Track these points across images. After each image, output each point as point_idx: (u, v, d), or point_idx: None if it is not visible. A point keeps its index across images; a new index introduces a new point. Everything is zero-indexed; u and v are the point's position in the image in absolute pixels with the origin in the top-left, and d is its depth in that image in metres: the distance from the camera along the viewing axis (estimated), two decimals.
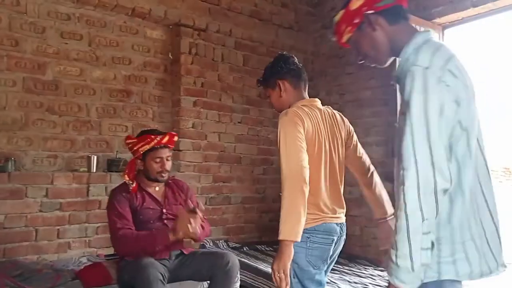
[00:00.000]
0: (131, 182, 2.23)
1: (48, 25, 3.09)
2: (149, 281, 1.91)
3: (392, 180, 3.00)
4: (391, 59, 1.31)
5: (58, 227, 2.96)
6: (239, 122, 3.96)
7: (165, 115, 3.66)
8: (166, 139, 2.26)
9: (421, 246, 1.02)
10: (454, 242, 1.10)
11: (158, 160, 2.25)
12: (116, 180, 3.00)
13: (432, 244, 1.04)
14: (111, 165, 3.21)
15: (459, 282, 1.14)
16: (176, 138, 2.35)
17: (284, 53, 1.91)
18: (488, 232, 1.13)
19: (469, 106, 1.10)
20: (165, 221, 2.29)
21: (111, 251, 3.04)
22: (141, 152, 2.23)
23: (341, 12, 1.30)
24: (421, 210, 1.02)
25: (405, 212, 1.03)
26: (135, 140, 2.27)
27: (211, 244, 3.39)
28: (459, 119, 1.08)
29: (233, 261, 2.22)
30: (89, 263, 2.66)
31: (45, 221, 2.91)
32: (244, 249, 3.38)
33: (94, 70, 3.30)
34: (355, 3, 1.25)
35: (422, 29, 1.42)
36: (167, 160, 2.29)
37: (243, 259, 2.97)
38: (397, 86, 1.25)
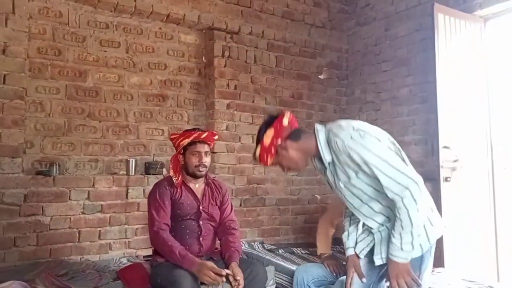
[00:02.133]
0: (175, 176, 2.34)
1: (88, 34, 3.22)
2: None
3: (431, 179, 2.91)
4: (309, 160, 1.84)
5: (100, 229, 3.07)
6: None
7: (199, 118, 3.71)
8: (204, 134, 2.37)
9: (418, 234, 1.63)
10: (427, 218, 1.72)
11: (196, 154, 2.34)
12: (153, 182, 3.05)
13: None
14: (149, 168, 3.30)
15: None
16: (216, 137, 2.46)
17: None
18: (432, 203, 1.79)
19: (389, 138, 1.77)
20: (201, 219, 2.36)
21: (149, 252, 3.12)
22: (182, 147, 2.35)
23: (259, 148, 1.79)
24: (418, 210, 1.59)
25: (409, 215, 1.58)
26: (178, 135, 2.40)
27: (247, 246, 3.40)
28: (393, 143, 1.75)
29: (260, 272, 2.25)
30: (129, 263, 2.74)
31: (87, 222, 3.03)
32: (280, 251, 3.36)
33: (132, 76, 3.40)
34: (267, 140, 1.76)
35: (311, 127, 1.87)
36: (205, 155, 2.37)
37: (279, 262, 2.95)
38: (334, 169, 1.74)
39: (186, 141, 2.33)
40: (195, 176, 2.39)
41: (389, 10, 3.96)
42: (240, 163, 3.74)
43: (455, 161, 3.08)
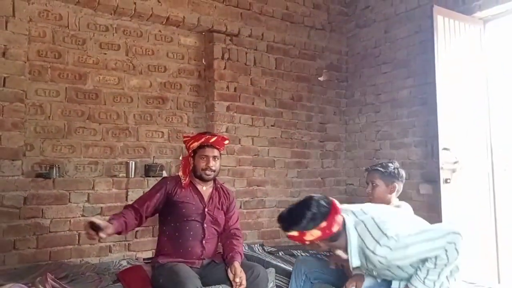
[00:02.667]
0: (183, 177, 2.39)
1: (88, 37, 3.23)
2: None
3: (431, 181, 2.90)
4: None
5: None
6: (272, 126, 3.95)
7: (199, 120, 3.71)
8: (213, 139, 2.41)
9: (443, 279, 1.70)
10: None
11: (204, 157, 2.38)
12: (153, 184, 3.07)
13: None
14: (149, 170, 3.30)
15: None
16: (227, 142, 2.50)
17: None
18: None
19: None
20: (205, 222, 2.37)
21: (150, 254, 3.12)
22: (192, 149, 2.40)
23: (295, 233, 1.74)
24: (456, 259, 1.67)
25: (447, 256, 1.63)
26: (189, 137, 2.46)
27: (247, 248, 3.39)
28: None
29: (261, 274, 2.25)
30: (129, 266, 2.73)
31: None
32: (280, 253, 3.36)
33: (131, 79, 3.40)
34: (309, 237, 1.70)
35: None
36: (213, 159, 2.39)
37: (279, 264, 2.95)
38: (366, 264, 1.77)
39: (195, 144, 2.39)
40: (203, 179, 2.42)
41: (389, 12, 3.97)
42: (240, 165, 3.74)
43: (455, 162, 3.08)
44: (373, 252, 1.68)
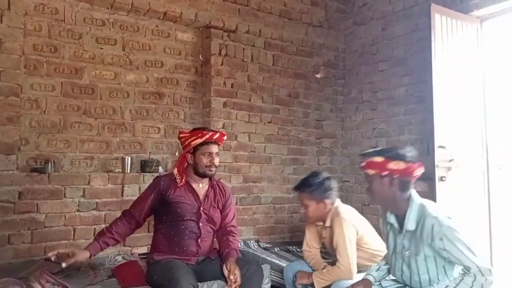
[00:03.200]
0: (179, 177, 2.34)
1: (84, 31, 3.21)
2: None
3: (427, 178, 2.91)
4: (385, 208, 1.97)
5: (95, 226, 3.05)
6: (269, 122, 3.95)
7: (196, 116, 3.70)
8: (217, 135, 2.37)
9: None
10: None
11: (207, 154, 2.33)
12: (149, 180, 3.05)
13: None
14: (145, 166, 3.29)
15: None
16: (225, 138, 2.46)
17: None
18: None
19: None
20: (200, 221, 2.34)
21: (145, 249, 3.12)
22: (193, 146, 2.32)
23: (380, 159, 1.84)
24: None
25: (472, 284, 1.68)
26: (188, 134, 2.37)
27: (242, 245, 3.40)
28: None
29: (256, 270, 2.26)
30: (124, 261, 2.73)
31: (82, 220, 3.02)
32: (275, 249, 3.37)
33: (128, 74, 3.38)
34: (394, 165, 1.82)
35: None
36: (216, 156, 2.37)
37: (274, 260, 2.96)
38: (409, 238, 1.83)
39: (199, 141, 2.31)
40: (205, 176, 2.38)
41: (386, 10, 3.97)
42: (236, 162, 3.74)
43: (451, 160, 3.09)
44: (432, 217, 1.75)
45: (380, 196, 1.85)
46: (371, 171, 1.83)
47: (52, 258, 2.05)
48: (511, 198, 4.96)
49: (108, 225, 2.33)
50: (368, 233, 2.43)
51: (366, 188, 1.90)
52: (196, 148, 2.33)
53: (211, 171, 2.36)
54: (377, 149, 1.92)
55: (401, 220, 1.86)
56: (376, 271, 2.04)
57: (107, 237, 2.24)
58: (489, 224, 3.27)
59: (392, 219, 1.90)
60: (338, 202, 2.44)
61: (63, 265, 2.05)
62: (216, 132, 2.39)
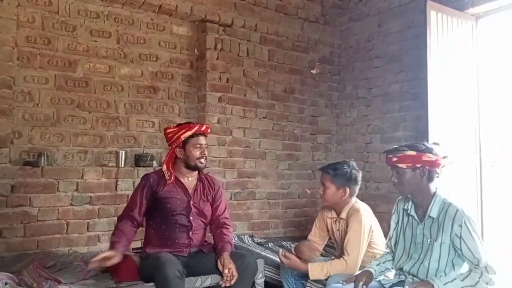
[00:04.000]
0: (168, 173, 2.35)
1: (78, 24, 3.17)
2: (167, 279, 1.97)
3: None
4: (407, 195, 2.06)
5: (88, 221, 3.05)
6: (264, 118, 3.94)
7: (191, 111, 3.69)
8: (204, 127, 2.41)
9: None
10: None
11: (198, 146, 2.36)
12: (143, 174, 3.05)
13: None
14: (139, 160, 3.28)
15: None
16: (209, 130, 2.49)
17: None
18: None
19: None
20: (191, 215, 2.35)
21: (138, 244, 3.11)
22: (182, 140, 2.33)
23: (410, 153, 1.95)
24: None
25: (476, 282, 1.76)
26: (176, 128, 2.38)
27: (236, 239, 3.40)
28: None
29: (250, 263, 2.26)
30: None
31: (76, 214, 3.00)
32: (269, 245, 3.37)
33: (122, 67, 3.36)
34: (425, 157, 1.94)
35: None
36: (205, 147, 2.40)
37: (268, 255, 2.97)
38: (430, 226, 1.94)
39: (188, 133, 2.33)
40: (197, 169, 2.39)
41: (382, 6, 3.97)
42: (231, 157, 3.74)
43: (444, 157, 3.10)
44: (455, 206, 1.88)
45: (411, 187, 1.96)
46: (403, 165, 1.94)
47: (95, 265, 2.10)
48: (503, 196, 5.00)
49: (118, 230, 2.26)
50: (378, 233, 2.43)
51: (396, 182, 1.99)
52: (185, 142, 2.34)
53: (202, 163, 2.38)
54: (403, 144, 2.04)
55: (420, 211, 1.98)
56: (376, 265, 2.08)
57: (125, 242, 2.22)
58: (481, 221, 3.30)
59: (412, 210, 2.01)
60: (356, 199, 2.44)
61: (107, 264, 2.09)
62: (201, 124, 2.44)
